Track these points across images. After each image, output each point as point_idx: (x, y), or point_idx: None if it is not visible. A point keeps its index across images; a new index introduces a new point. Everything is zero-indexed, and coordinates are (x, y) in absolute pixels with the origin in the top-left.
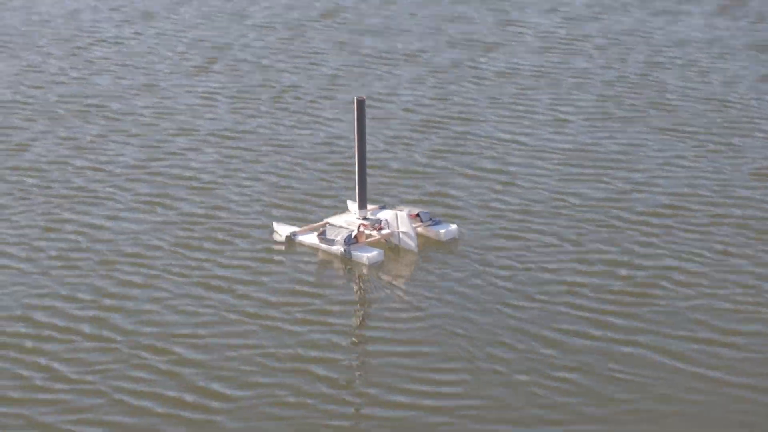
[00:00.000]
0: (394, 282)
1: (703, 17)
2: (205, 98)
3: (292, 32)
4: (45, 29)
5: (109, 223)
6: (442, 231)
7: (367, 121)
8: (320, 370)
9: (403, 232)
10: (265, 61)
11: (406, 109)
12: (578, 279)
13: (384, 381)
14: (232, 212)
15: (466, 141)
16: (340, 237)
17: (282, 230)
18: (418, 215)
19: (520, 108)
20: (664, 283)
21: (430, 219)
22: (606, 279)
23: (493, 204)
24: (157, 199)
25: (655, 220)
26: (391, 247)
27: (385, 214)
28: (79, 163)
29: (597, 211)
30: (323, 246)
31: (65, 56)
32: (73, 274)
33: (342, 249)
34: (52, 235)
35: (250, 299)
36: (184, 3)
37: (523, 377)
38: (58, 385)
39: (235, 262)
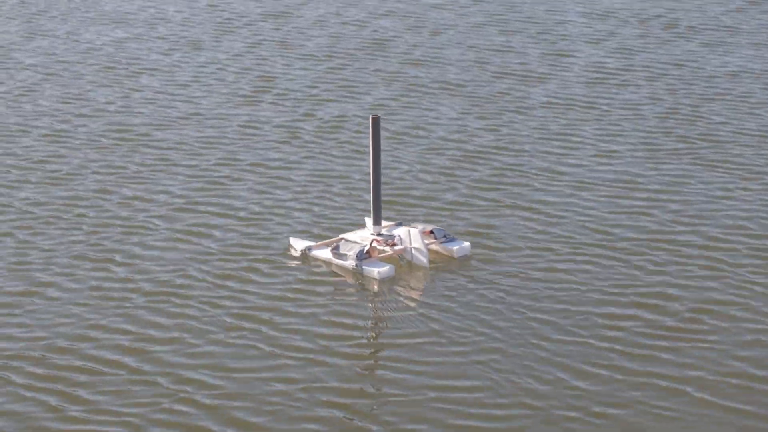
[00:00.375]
0: (404, 297)
1: (756, 49)
2: (251, 128)
3: (339, 62)
4: (91, 58)
5: (150, 253)
6: (455, 248)
7: (410, 149)
8: (335, 398)
9: (415, 248)
10: (313, 91)
11: (450, 139)
12: (617, 311)
13: (404, 411)
14: (271, 239)
15: (512, 171)
16: (352, 252)
17: (297, 245)
18: (432, 232)
19: (567, 139)
20: (706, 317)
21: (444, 236)
22: (649, 312)
23: (536, 236)
24: (197, 229)
25: (700, 254)
26: (403, 262)
27: (400, 231)
28: (125, 192)
29: (640, 243)
30: (336, 260)
31: (111, 84)
32: (113, 305)
33: (354, 264)
34: (95, 265)
35: (289, 331)
36: (230, 32)
37: (557, 411)
38: (100, 417)
39: (276, 293)
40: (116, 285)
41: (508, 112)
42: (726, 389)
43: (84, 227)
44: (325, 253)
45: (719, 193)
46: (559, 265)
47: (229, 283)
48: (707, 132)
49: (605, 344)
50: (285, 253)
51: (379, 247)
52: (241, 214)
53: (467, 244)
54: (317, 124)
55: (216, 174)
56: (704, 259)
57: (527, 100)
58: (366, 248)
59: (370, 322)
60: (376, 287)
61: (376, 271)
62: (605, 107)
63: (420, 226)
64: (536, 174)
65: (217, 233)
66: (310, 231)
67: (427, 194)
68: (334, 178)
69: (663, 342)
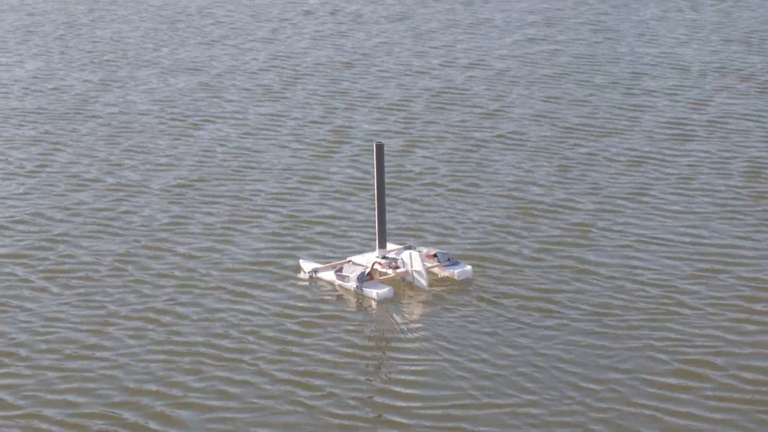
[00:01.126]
0: (399, 319)
1: None
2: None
3: (406, 114)
4: (161, 108)
5: (160, 265)
6: (457, 271)
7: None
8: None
9: (415, 271)
10: (337, 123)
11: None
12: (623, 333)
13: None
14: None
15: (525, 201)
16: (353, 274)
17: (306, 266)
18: (435, 255)
19: (633, 194)
20: (718, 360)
21: (448, 259)
22: (655, 341)
23: (539, 263)
24: (219, 245)
25: (724, 304)
26: (405, 284)
27: (404, 254)
28: (146, 212)
29: (653, 273)
30: (339, 282)
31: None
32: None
33: (355, 285)
34: (113, 279)
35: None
36: (249, 52)
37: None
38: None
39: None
40: (124, 292)
41: (579, 165)
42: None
43: (116, 240)
44: (330, 275)
45: None
46: (560, 294)
47: (234, 299)
48: None
49: (609, 372)
50: (294, 274)
51: (381, 270)
52: (256, 232)
53: (469, 267)
54: (346, 149)
55: (239, 193)
56: (722, 311)
57: (595, 155)
58: (367, 271)
59: (364, 343)
60: (374, 308)
61: (375, 292)
62: (670, 160)
63: (424, 249)
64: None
65: (233, 249)
66: (323, 254)
67: (437, 218)
68: (350, 201)
69: (672, 379)
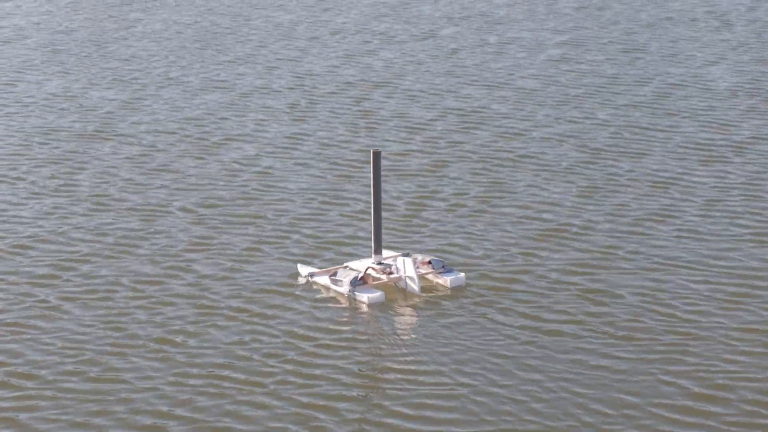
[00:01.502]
0: (386, 322)
1: None
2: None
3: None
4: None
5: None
6: (450, 278)
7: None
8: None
9: (408, 277)
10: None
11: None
12: (614, 342)
13: None
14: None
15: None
16: (347, 279)
17: (303, 270)
18: (429, 262)
19: (658, 216)
20: (741, 386)
21: (443, 267)
22: (641, 353)
23: (533, 273)
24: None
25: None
26: (398, 290)
27: (398, 260)
28: (160, 229)
29: (642, 286)
30: (333, 286)
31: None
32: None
33: (348, 289)
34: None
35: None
36: (276, 71)
37: None
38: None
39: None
40: (123, 297)
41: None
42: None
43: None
44: (325, 280)
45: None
46: (546, 299)
47: (231, 300)
48: None
49: (596, 379)
50: (291, 278)
51: (374, 275)
52: (259, 237)
53: (462, 275)
54: (349, 157)
55: (240, 199)
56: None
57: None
58: (360, 276)
59: (349, 344)
60: (364, 312)
61: (366, 296)
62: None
63: (420, 257)
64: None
65: (237, 251)
66: (322, 258)
67: (437, 226)
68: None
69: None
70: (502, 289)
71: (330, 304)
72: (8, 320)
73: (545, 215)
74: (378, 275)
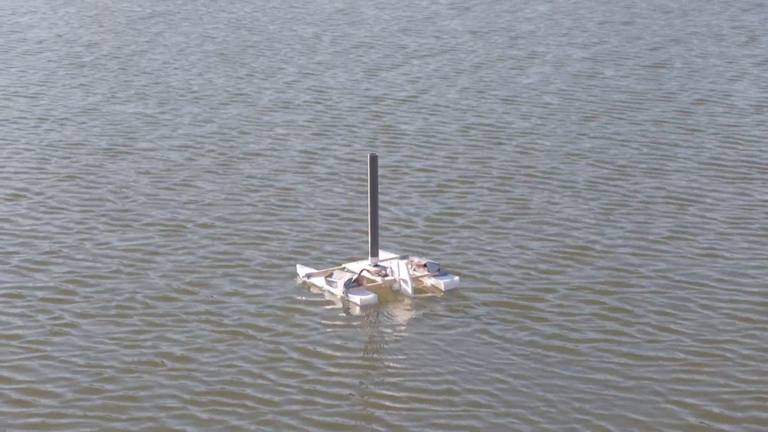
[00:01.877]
0: (378, 324)
1: None
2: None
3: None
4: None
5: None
6: (443, 281)
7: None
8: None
9: (402, 279)
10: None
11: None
12: (613, 347)
13: None
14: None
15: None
16: (341, 280)
17: (301, 271)
18: (425, 265)
19: (676, 236)
20: (763, 416)
21: (438, 270)
22: (641, 361)
23: (529, 275)
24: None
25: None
26: (392, 292)
27: (393, 263)
28: (171, 241)
29: (643, 291)
30: (327, 287)
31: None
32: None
33: (341, 291)
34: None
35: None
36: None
37: None
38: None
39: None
40: (125, 298)
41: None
42: None
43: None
44: (320, 281)
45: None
46: (540, 302)
47: (227, 299)
48: None
49: (594, 383)
50: (290, 279)
51: (369, 277)
52: (261, 236)
53: (456, 278)
54: (355, 163)
55: (243, 200)
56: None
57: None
58: (354, 277)
59: (339, 347)
60: (357, 314)
61: (359, 298)
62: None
63: (415, 259)
64: (543, 220)
65: (238, 252)
66: (324, 259)
67: (433, 229)
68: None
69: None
70: (498, 294)
71: (324, 306)
72: (26, 337)
73: (562, 230)
74: (373, 277)
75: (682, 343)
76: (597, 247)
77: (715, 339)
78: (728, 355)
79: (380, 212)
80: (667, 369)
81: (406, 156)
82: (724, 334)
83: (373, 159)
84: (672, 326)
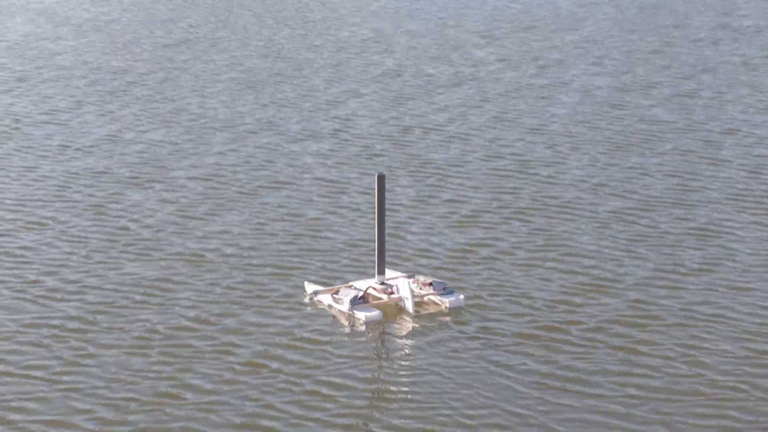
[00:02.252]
0: (380, 341)
1: None
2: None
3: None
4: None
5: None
6: (448, 299)
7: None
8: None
9: (405, 297)
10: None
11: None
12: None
13: None
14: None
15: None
16: (347, 297)
17: (309, 288)
18: (431, 284)
19: (701, 269)
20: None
21: (444, 288)
22: (637, 378)
23: (531, 294)
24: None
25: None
26: (397, 309)
27: (398, 281)
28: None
29: (638, 314)
30: (334, 305)
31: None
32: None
33: (347, 308)
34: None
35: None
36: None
37: None
38: None
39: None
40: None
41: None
42: None
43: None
44: (327, 298)
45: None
46: (543, 317)
47: (233, 312)
48: None
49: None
50: (297, 295)
51: (375, 294)
52: (285, 266)
53: (462, 296)
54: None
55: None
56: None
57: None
58: (360, 295)
59: (341, 362)
60: (361, 330)
61: (364, 315)
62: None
63: (422, 278)
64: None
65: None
66: (329, 277)
67: (457, 259)
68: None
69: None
70: (500, 312)
71: (330, 322)
72: (49, 368)
73: (584, 261)
74: (379, 294)
75: (705, 378)
76: (624, 279)
77: (740, 373)
78: (753, 391)
79: (404, 240)
80: (690, 403)
81: (431, 185)
82: (750, 368)
83: (381, 178)
84: (696, 359)
